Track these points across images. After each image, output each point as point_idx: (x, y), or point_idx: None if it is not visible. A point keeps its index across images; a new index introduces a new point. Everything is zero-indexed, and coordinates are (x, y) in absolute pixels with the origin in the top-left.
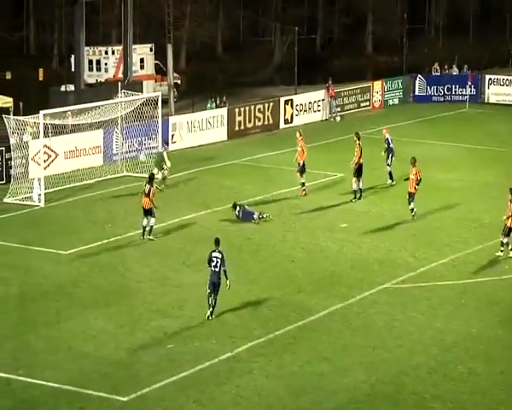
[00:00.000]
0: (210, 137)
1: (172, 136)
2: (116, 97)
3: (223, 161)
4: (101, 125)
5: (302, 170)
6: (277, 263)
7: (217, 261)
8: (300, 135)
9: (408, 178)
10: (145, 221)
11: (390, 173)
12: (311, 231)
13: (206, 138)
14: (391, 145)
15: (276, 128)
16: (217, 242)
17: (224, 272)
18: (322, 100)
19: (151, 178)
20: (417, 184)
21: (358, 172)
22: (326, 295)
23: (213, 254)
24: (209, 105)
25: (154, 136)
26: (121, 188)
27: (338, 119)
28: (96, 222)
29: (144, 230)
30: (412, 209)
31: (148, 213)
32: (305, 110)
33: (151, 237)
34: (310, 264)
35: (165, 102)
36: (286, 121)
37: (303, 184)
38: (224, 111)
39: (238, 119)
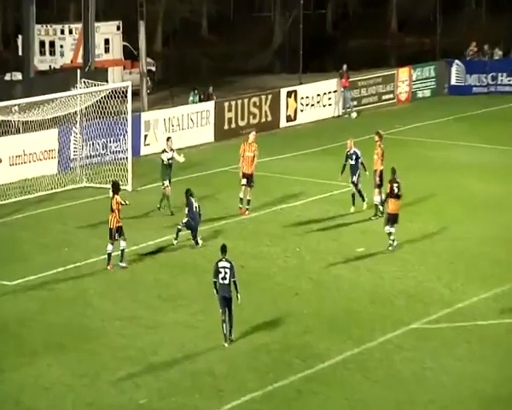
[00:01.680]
0: (193, 138)
1: (145, 137)
2: (75, 88)
3: (209, 169)
4: (55, 124)
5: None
6: (278, 297)
7: (225, 272)
8: (254, 136)
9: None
10: (110, 247)
11: (360, 192)
12: (321, 256)
13: (187, 140)
14: (360, 160)
15: (276, 127)
16: (223, 249)
17: (234, 283)
18: (334, 91)
19: (115, 187)
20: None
21: (380, 181)
22: (339, 338)
23: (220, 264)
24: (191, 98)
25: (121, 137)
26: (81, 202)
27: (354, 115)
28: (49, 246)
29: (109, 257)
30: (389, 234)
31: (114, 234)
32: (313, 104)
33: (123, 265)
34: (319, 298)
35: (136, 94)
36: (288, 118)
37: (248, 202)
38: (210, 106)
39: (228, 115)
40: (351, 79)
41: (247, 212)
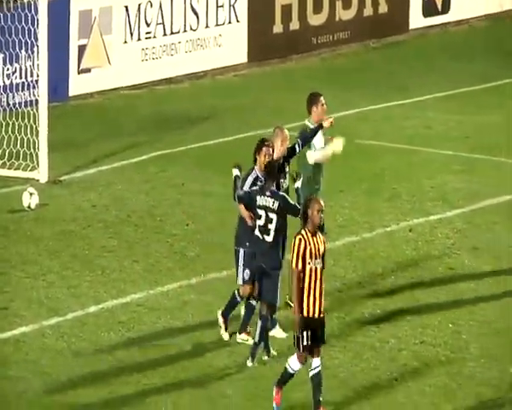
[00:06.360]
0: (199, 57)
1: (81, 50)
2: None
3: (240, 132)
4: None
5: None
6: None
7: (267, 217)
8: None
9: None
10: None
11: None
12: None
13: (189, 61)
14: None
15: (401, 31)
16: (272, 169)
17: (283, 243)
18: None
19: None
20: None
21: None
22: None
23: (260, 201)
24: None
25: (24, 53)
26: None
27: None
28: None
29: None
30: None
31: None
32: None
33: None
34: None
35: None
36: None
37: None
38: None
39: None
40: None
41: None
